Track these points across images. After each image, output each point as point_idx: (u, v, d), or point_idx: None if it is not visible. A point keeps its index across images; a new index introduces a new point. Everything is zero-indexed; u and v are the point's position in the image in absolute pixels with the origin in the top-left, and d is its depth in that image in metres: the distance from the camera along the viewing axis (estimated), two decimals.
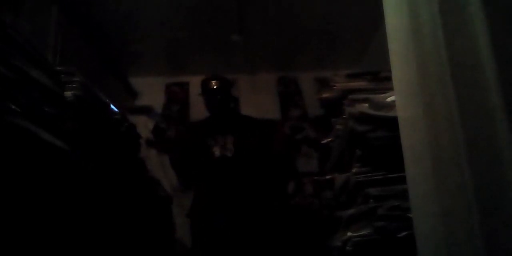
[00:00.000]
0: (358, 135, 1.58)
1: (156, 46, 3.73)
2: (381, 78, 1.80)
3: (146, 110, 3.96)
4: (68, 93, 1.43)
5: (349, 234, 1.50)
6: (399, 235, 1.35)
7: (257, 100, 3.94)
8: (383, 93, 1.66)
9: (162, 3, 3.17)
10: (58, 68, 1.51)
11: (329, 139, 1.94)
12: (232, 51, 3.70)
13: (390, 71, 1.12)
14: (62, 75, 1.47)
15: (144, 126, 3.76)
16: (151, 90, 4.10)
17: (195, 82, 4.18)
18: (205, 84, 2.93)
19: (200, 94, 2.96)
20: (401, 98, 1.09)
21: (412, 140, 1.00)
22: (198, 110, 4.08)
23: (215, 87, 2.89)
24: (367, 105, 1.65)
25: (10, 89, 1.10)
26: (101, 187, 1.54)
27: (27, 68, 1.20)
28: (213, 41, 3.65)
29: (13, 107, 1.06)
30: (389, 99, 1.57)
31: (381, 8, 1.15)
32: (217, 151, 2.73)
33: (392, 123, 1.24)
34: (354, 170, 1.59)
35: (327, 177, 1.91)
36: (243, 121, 2.99)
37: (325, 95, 1.96)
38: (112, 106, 1.83)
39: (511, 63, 0.84)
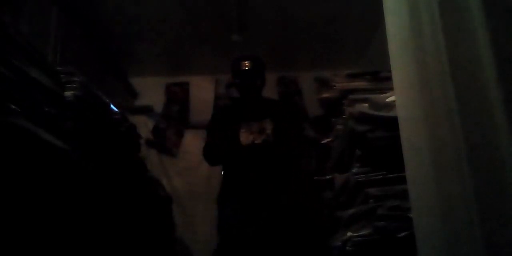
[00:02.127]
0: (358, 135, 1.58)
1: (156, 46, 3.73)
2: (381, 78, 1.80)
3: (146, 110, 3.96)
4: (68, 93, 1.43)
5: (349, 234, 1.50)
6: (399, 235, 1.35)
7: None
8: (383, 93, 1.66)
9: (162, 3, 3.17)
10: (58, 68, 1.51)
11: (329, 139, 1.94)
12: (232, 51, 3.70)
13: (390, 71, 1.12)
14: (62, 75, 1.47)
15: (144, 126, 3.77)
16: (151, 90, 4.10)
17: (195, 82, 4.21)
18: (237, 66, 2.64)
19: (232, 77, 2.67)
20: (401, 98, 1.09)
21: (412, 140, 1.00)
22: (198, 110, 4.09)
23: (247, 68, 2.60)
24: (367, 105, 1.65)
25: (10, 89, 1.10)
26: (101, 187, 1.54)
27: (27, 68, 1.20)
28: (213, 41, 3.65)
29: (13, 107, 1.06)
30: (389, 99, 1.57)
31: (381, 8, 1.15)
32: (258, 139, 2.49)
33: (392, 123, 1.24)
34: (354, 170, 1.59)
35: (327, 177, 1.91)
36: (275, 104, 2.74)
37: (325, 95, 1.96)
38: (112, 106, 1.84)
39: (511, 63, 0.84)
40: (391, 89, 1.30)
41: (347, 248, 1.48)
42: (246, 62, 2.62)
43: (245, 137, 2.52)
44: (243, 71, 2.61)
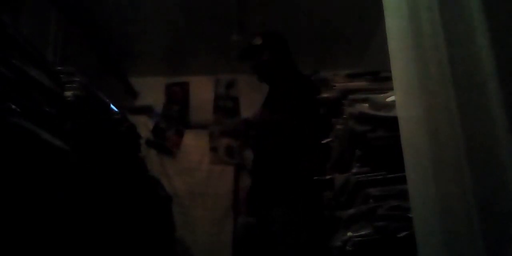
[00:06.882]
0: (358, 135, 1.58)
1: (156, 46, 3.73)
2: (381, 78, 1.80)
3: (146, 110, 3.97)
4: (68, 93, 1.43)
5: (349, 234, 1.50)
6: (399, 235, 1.35)
7: (257, 100, 3.92)
8: (383, 93, 1.66)
9: (162, 3, 3.17)
10: (58, 68, 1.51)
11: (329, 139, 1.94)
12: (232, 51, 3.69)
13: (390, 71, 1.12)
14: (62, 75, 1.47)
15: (144, 126, 3.77)
16: (151, 90, 4.10)
17: (195, 82, 4.21)
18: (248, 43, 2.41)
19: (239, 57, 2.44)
20: (401, 98, 1.08)
21: (412, 140, 1.00)
22: (198, 110, 4.09)
23: (258, 43, 2.39)
24: (367, 105, 1.65)
25: (10, 89, 1.10)
26: (101, 187, 1.54)
27: (27, 68, 1.20)
28: (213, 41, 3.65)
29: (13, 107, 1.06)
30: (389, 99, 1.57)
31: (381, 8, 1.15)
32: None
33: (392, 123, 1.24)
34: (354, 170, 1.59)
35: (327, 177, 1.90)
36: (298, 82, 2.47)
37: (325, 95, 1.96)
38: (112, 106, 1.84)
39: (511, 63, 0.84)
40: (391, 89, 1.30)
41: (347, 248, 1.48)
42: (256, 37, 2.42)
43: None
44: (248, 48, 2.42)
